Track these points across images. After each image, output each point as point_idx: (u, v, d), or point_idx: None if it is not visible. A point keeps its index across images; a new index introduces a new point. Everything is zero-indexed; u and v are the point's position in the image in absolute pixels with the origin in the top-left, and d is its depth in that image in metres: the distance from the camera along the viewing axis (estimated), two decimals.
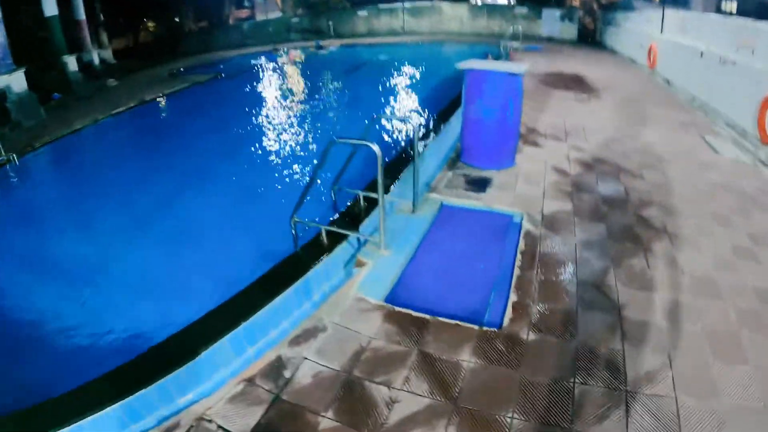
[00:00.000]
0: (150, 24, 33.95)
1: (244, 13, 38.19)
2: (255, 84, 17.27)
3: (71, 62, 17.72)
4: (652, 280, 3.96)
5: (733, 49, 8.54)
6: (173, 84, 16.55)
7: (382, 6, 27.32)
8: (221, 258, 5.39)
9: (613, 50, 18.27)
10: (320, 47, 23.95)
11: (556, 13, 21.94)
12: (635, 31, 15.59)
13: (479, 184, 5.75)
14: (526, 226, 4.85)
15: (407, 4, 26.51)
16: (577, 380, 3.02)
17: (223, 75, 18.36)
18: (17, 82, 13.04)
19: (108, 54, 23.37)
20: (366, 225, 4.75)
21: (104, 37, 24.05)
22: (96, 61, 20.92)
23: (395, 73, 17.44)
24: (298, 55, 22.41)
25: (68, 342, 4.41)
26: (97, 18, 23.19)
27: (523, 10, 23.13)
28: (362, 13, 27.55)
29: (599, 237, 4.63)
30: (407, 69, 18.17)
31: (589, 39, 21.38)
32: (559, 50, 18.42)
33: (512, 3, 24.84)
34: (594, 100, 10.10)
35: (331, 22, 27.87)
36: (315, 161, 7.81)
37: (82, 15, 20.28)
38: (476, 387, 3.02)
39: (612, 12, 19.46)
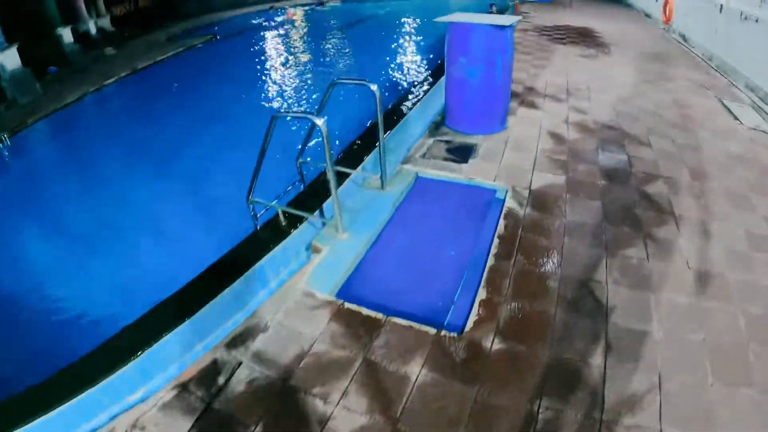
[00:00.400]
0: None
1: None
2: (249, 45, 16.44)
3: (66, 34, 17.17)
4: (651, 276, 3.39)
5: (756, 3, 7.73)
6: (168, 49, 15.98)
7: None
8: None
9: (627, 4, 17.20)
10: (321, 3, 22.96)
11: None
12: None
13: (462, 152, 5.12)
14: (510, 203, 4.25)
15: None
16: (543, 404, 2.50)
17: (218, 37, 17.68)
18: (11, 59, 12.71)
19: (106, 22, 22.81)
20: (331, 204, 4.19)
21: (101, 5, 23.37)
22: (93, 30, 20.26)
23: (399, 27, 16.53)
24: (295, 12, 21.44)
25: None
26: None
27: None
28: None
29: (593, 219, 4.04)
30: (411, 23, 17.23)
31: None
32: (570, 3, 17.36)
33: None
34: (602, 57, 9.31)
35: None
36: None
37: None
38: (422, 407, 2.52)
39: None
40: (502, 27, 4.97)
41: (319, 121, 3.33)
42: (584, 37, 11.05)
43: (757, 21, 7.46)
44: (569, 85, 7.43)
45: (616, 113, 6.27)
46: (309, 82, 11.12)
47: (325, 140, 3.33)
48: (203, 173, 6.52)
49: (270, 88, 10.90)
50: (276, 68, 12.72)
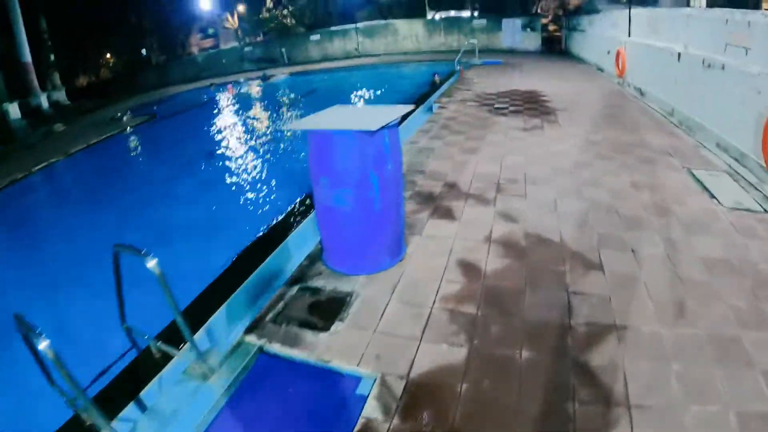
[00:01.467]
0: (108, 60, 33.12)
1: (205, 43, 37.26)
2: (182, 127, 15.99)
3: (12, 110, 17.24)
4: None
5: (719, 48, 6.61)
6: (107, 130, 15.89)
7: (334, 28, 25.78)
8: None
9: (579, 58, 16.51)
10: (267, 77, 22.42)
11: (518, 22, 20.15)
12: (601, 36, 13.79)
13: (328, 311, 3.60)
14: (371, 408, 2.70)
15: (360, 25, 24.91)
16: None
17: (157, 116, 17.63)
18: None
19: (61, 95, 23.32)
20: (148, 395, 2.85)
21: (56, 78, 23.24)
22: (45, 104, 20.66)
23: (343, 101, 15.61)
24: (236, 89, 20.74)
25: None
26: (47, 58, 22.58)
27: (481, 22, 21.42)
28: (314, 37, 26.10)
29: None
30: (357, 95, 16.39)
31: (555, 48, 19.64)
32: (520, 63, 16.60)
33: (471, 16, 23.08)
34: (548, 128, 8.09)
35: (284, 50, 26.60)
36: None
37: (27, 57, 19.99)
38: None
39: (577, 17, 17.67)
40: (372, 132, 3.58)
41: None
42: (530, 104, 9.92)
43: (723, 68, 6.32)
44: (502, 175, 6.09)
45: (558, 216, 4.88)
46: (228, 176, 10.00)
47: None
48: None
49: (190, 187, 9.70)
50: (201, 157, 11.56)
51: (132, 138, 15.14)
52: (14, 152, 14.79)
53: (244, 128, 13.94)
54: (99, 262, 3.32)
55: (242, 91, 20.65)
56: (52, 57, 22.74)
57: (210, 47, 35.88)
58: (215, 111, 17.84)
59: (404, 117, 4.67)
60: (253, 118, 15.15)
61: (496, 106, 9.91)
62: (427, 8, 23.66)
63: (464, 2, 23.88)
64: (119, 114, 19.04)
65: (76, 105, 23.25)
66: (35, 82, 19.95)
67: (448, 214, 5.08)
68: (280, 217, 6.18)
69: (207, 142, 12.82)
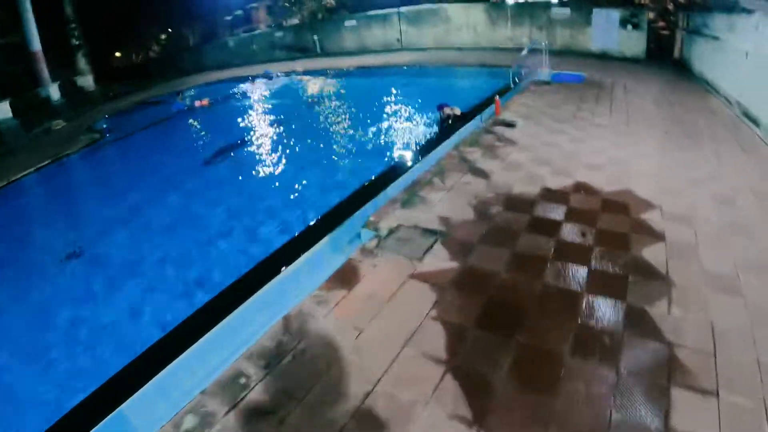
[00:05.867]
0: (158, 40, 28.95)
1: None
2: (120, 154, 10.94)
3: (2, 109, 14.05)
4: None
5: None
6: (48, 153, 10.92)
7: (372, 13, 18.78)
8: None
9: (706, 83, 8.70)
10: (269, 77, 16.18)
11: (614, 15, 12.05)
12: (758, 56, 6.15)
13: None
14: None
15: (404, 9, 17.78)
16: None
17: (106, 136, 12.21)
18: None
19: (87, 81, 20.23)
20: None
21: (81, 63, 20.43)
22: (55, 96, 17.15)
23: (349, 140, 8.58)
24: (206, 101, 14.05)
25: None
26: (69, 43, 19.76)
27: (564, 11, 13.52)
28: (350, 23, 19.43)
29: None
30: (374, 127, 8.69)
31: (665, 55, 11.62)
32: (614, 82, 9.09)
33: (550, 1, 15.01)
34: None
35: (316, 37, 20.32)
36: None
37: (37, 45, 16.54)
38: None
39: (703, 15, 9.56)
40: None
41: None
42: (613, 281, 2.94)
43: None
44: None
45: None
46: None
47: None
48: None
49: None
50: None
51: (64, 169, 10.22)
52: None
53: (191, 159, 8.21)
54: None
55: (220, 102, 14.19)
56: (76, 41, 19.39)
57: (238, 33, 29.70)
58: (159, 140, 11.67)
59: None
60: (212, 145, 8.88)
61: (528, 245, 2.99)
62: None
63: None
64: (93, 123, 13.88)
65: (103, 90, 19.82)
66: (45, 72, 16.65)
67: None
68: None
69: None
